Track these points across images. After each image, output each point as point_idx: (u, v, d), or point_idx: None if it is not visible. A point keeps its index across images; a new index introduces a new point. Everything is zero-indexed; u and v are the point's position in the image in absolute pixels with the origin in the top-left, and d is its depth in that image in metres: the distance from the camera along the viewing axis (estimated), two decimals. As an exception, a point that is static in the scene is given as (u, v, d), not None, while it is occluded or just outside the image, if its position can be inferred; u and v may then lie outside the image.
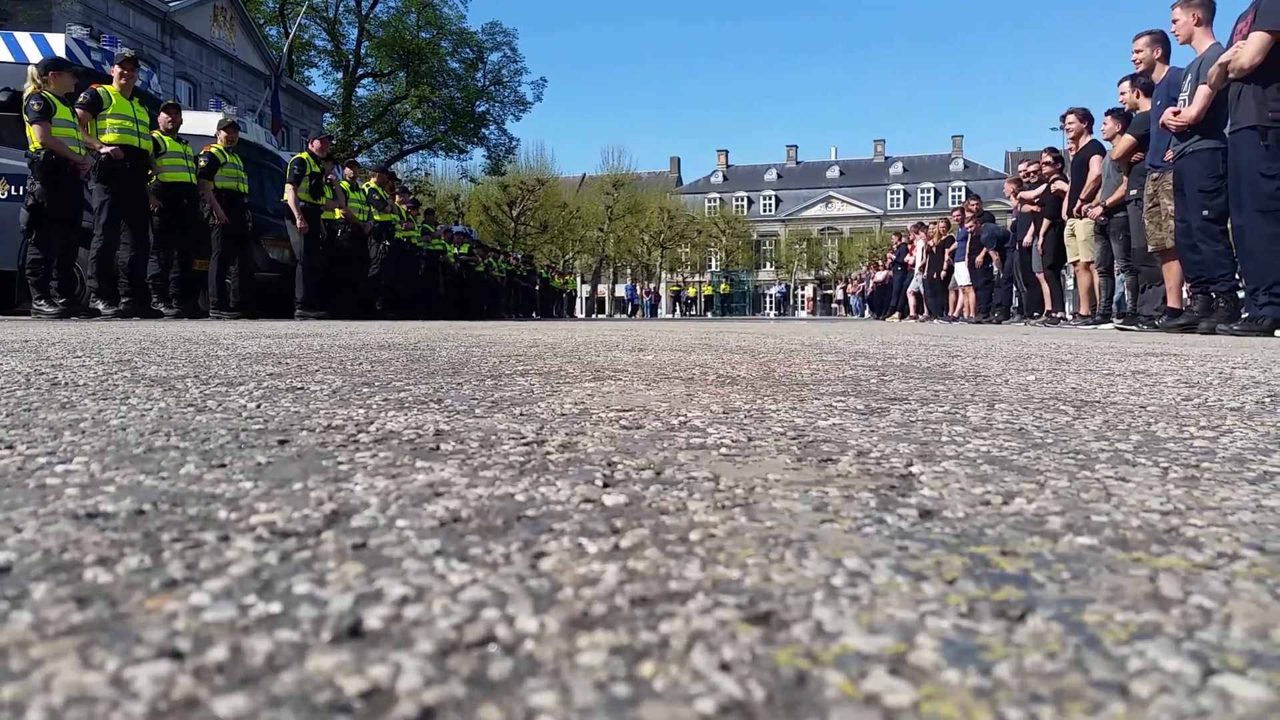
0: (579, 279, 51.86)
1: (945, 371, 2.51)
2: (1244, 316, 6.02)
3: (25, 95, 7.58)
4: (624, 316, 42.19)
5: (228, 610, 0.50)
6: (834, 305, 53.18)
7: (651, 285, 55.45)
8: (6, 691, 0.39)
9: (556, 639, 0.46)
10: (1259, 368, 2.65)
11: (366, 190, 12.57)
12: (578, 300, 46.66)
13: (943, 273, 16.25)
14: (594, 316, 42.68)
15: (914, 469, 0.98)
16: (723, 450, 1.09)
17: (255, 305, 10.25)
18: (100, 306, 8.19)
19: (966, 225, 14.51)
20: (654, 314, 49.89)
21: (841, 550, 0.64)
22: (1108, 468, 1.01)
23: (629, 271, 57.67)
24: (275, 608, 0.51)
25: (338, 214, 11.81)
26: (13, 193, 8.84)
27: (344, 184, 12.25)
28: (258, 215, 10.47)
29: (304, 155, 10.69)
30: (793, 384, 2.07)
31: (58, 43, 9.30)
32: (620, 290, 55.70)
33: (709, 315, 50.48)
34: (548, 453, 1.07)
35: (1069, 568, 0.61)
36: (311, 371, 2.28)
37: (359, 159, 31.08)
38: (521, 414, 1.45)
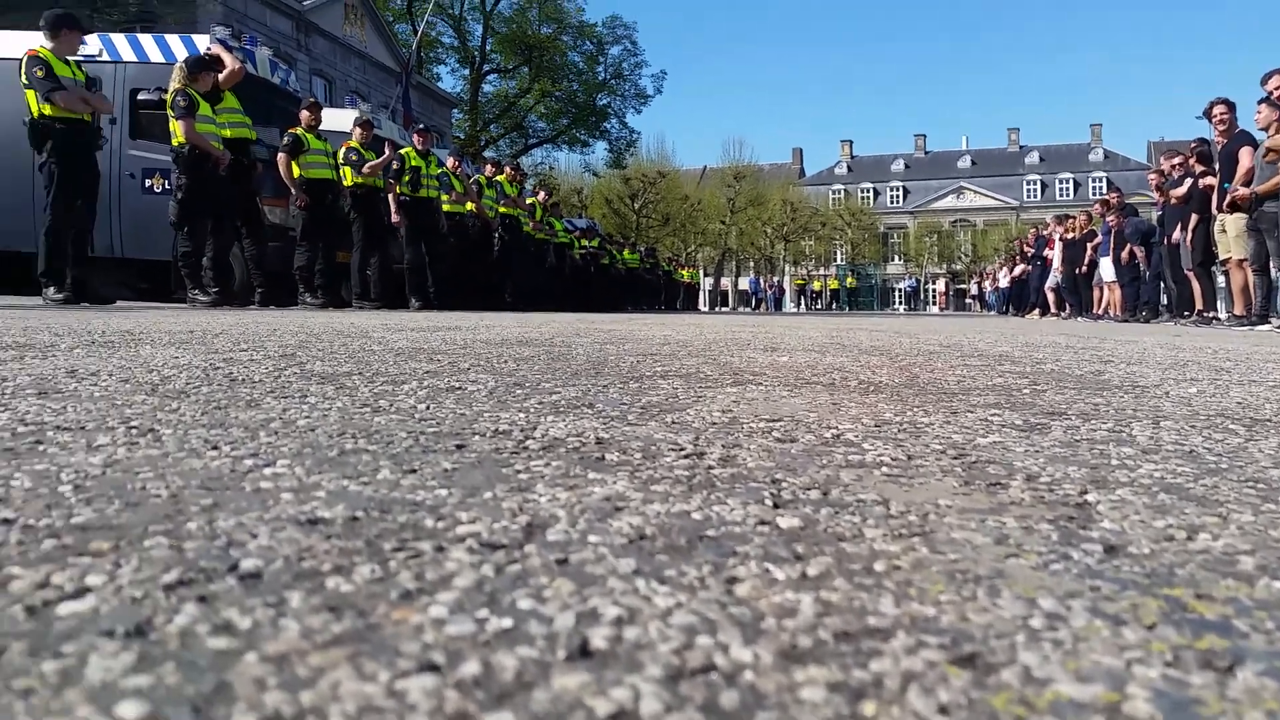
0: (702, 272, 51.81)
1: (1100, 381, 2.43)
2: None
3: (171, 92, 7.98)
4: (748, 310, 41.97)
5: (467, 624, 0.55)
6: (968, 301, 51.55)
7: (775, 279, 54.86)
8: (306, 697, 0.45)
9: (773, 672, 0.49)
10: None
11: (490, 183, 12.92)
12: (700, 293, 46.60)
13: (1084, 268, 15.56)
14: (717, 310, 42.63)
15: (1089, 497, 0.97)
16: (884, 469, 1.10)
17: (394, 295, 10.67)
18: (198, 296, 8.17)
19: (1109, 219, 13.85)
20: (778, 308, 49.38)
21: (1033, 589, 0.65)
22: (1294, 500, 0.97)
23: (752, 264, 57.21)
24: (507, 623, 0.55)
25: (469, 207, 12.19)
26: (166, 186, 9.41)
27: (481, 179, 12.62)
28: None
29: (406, 150, 11.02)
30: (941, 393, 2.05)
31: (203, 43, 9.83)
32: (744, 283, 55.35)
33: (834, 309, 49.66)
34: (710, 466, 1.10)
35: (1271, 616, 0.60)
36: (464, 370, 2.38)
37: (485, 153, 31.85)
38: (674, 422, 1.49)
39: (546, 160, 45.47)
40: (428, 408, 1.59)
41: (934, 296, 63.67)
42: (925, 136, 79.27)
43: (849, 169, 77.82)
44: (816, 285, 56.03)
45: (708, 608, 0.59)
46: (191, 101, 7.89)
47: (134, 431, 1.27)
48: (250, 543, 0.73)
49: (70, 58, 7.34)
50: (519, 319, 7.43)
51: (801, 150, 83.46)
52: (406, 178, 10.81)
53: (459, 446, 1.21)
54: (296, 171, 9.42)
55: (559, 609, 0.58)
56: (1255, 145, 8.47)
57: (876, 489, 0.98)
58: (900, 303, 61.92)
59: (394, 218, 10.74)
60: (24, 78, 7.03)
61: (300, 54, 29.07)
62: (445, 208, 11.73)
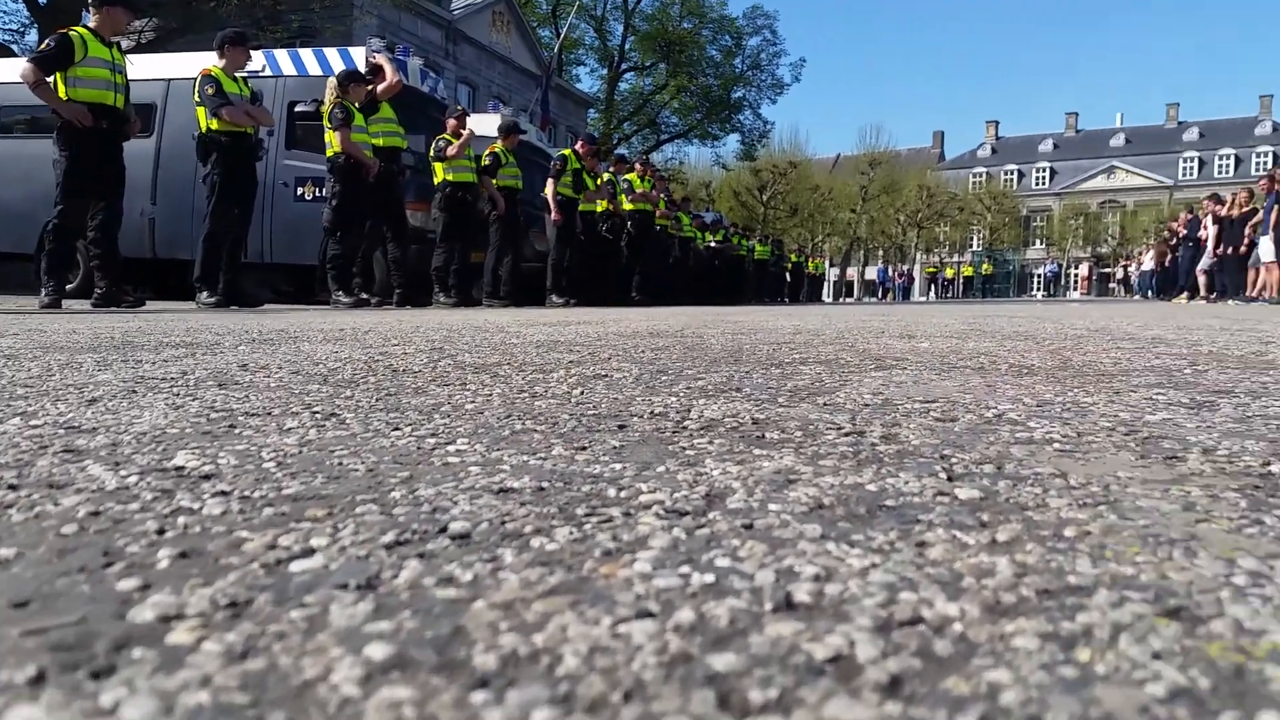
0: (827, 262, 50.85)
1: (1265, 360, 2.29)
2: None
3: (328, 104, 8.38)
4: (874, 300, 41.06)
5: (672, 578, 0.58)
6: (1112, 285, 49.10)
7: (905, 267, 53.35)
8: (539, 638, 0.48)
9: (980, 624, 0.50)
10: None
11: (617, 180, 13.07)
12: (825, 284, 45.77)
13: (1244, 247, 14.59)
14: (841, 300, 41.88)
15: (1273, 469, 0.93)
16: (1055, 446, 1.08)
17: (521, 294, 10.92)
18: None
19: (1275, 193, 12.93)
20: (906, 297, 48.05)
21: (1231, 551, 0.64)
22: None
23: (881, 253, 55.78)
24: (709, 578, 0.58)
25: (601, 206, 12.38)
26: (317, 195, 9.85)
27: (608, 175, 12.83)
28: (526, 209, 11.15)
29: (567, 152, 11.30)
30: (1097, 374, 1.98)
31: (359, 55, 10.22)
32: (871, 273, 54.03)
33: (966, 297, 48.00)
34: (874, 444, 1.10)
35: None
36: (605, 359, 2.43)
37: (618, 151, 32.18)
38: (826, 404, 1.49)
39: (677, 155, 45.61)
40: (581, 393, 1.64)
41: (1076, 282, 60.79)
42: (1077, 115, 75.30)
43: (993, 150, 74.55)
44: (950, 273, 54.19)
45: (903, 568, 0.60)
46: (348, 113, 8.29)
47: (318, 415, 1.36)
48: (453, 509, 0.78)
49: (237, 74, 7.80)
50: (645, 313, 7.50)
51: (943, 134, 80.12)
52: (568, 179, 11.10)
53: (621, 427, 1.25)
54: (440, 176, 9.76)
55: (756, 567, 0.60)
56: None
57: (1051, 463, 0.97)
58: (1039, 288, 59.36)
59: (554, 215, 11.04)
60: (196, 95, 7.52)
61: (448, 62, 29.90)
62: (580, 207, 11.97)
